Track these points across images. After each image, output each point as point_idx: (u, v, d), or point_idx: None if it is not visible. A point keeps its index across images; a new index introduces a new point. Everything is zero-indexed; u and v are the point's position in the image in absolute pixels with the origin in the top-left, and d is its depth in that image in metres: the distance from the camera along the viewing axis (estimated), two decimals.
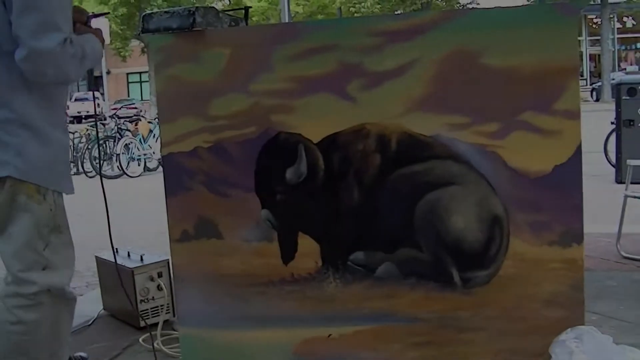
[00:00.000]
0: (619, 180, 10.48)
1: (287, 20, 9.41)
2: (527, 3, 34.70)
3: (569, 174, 3.53)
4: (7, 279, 3.48)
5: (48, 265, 3.49)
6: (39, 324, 3.50)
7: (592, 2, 40.20)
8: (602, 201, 8.74)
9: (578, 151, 3.51)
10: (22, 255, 3.45)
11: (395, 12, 45.06)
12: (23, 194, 3.43)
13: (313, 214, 3.92)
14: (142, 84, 57.37)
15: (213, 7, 4.14)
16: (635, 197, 6.64)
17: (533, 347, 3.63)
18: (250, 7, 5.01)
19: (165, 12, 3.95)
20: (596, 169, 11.37)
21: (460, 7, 46.20)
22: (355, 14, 43.35)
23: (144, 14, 4.07)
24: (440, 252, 3.73)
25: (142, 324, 5.15)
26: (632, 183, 6.85)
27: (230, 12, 4.31)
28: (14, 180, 3.40)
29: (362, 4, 44.67)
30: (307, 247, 3.92)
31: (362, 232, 3.85)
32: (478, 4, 46.95)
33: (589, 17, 47.27)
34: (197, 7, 3.90)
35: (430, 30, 3.63)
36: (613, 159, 11.46)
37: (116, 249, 5.17)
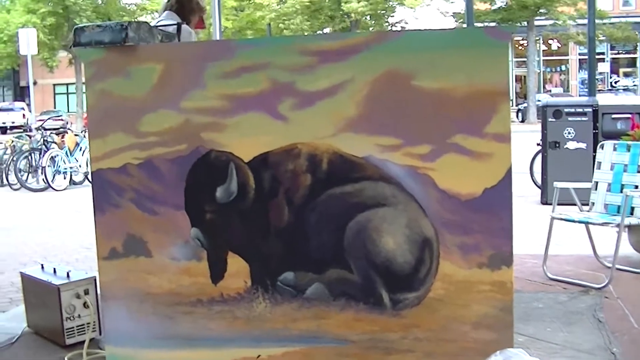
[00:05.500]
0: (545, 201, 10.66)
1: (218, 35, 9.31)
2: (457, 26, 35.05)
3: (499, 197, 3.56)
4: None
5: None
6: None
7: (518, 25, 40.81)
8: (528, 222, 8.85)
9: (508, 174, 3.54)
10: None
11: (324, 30, 45.31)
12: None
13: (243, 233, 3.90)
14: (69, 95, 56.62)
15: (146, 22, 4.11)
16: (561, 219, 6.72)
17: None
18: (183, 22, 4.98)
19: (98, 26, 3.91)
20: (522, 190, 11.52)
21: (390, 26, 46.54)
22: (285, 30, 43.45)
23: (75, 27, 4.02)
24: (370, 273, 3.72)
25: (68, 342, 5.07)
26: (558, 205, 6.94)
27: (162, 28, 4.28)
28: None
29: (292, 20, 44.80)
30: (237, 267, 3.89)
31: (292, 252, 3.84)
32: (407, 23, 47.35)
33: (516, 38, 47.90)
34: (129, 22, 3.88)
35: (363, 51, 3.64)
36: (539, 180, 11.63)
37: (42, 265, 5.10)
